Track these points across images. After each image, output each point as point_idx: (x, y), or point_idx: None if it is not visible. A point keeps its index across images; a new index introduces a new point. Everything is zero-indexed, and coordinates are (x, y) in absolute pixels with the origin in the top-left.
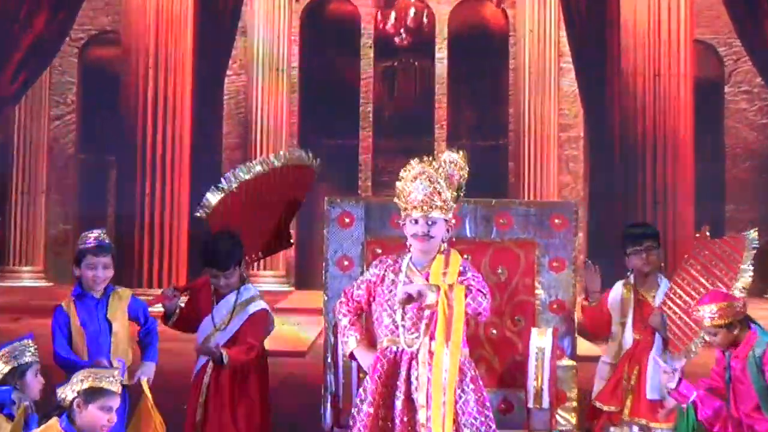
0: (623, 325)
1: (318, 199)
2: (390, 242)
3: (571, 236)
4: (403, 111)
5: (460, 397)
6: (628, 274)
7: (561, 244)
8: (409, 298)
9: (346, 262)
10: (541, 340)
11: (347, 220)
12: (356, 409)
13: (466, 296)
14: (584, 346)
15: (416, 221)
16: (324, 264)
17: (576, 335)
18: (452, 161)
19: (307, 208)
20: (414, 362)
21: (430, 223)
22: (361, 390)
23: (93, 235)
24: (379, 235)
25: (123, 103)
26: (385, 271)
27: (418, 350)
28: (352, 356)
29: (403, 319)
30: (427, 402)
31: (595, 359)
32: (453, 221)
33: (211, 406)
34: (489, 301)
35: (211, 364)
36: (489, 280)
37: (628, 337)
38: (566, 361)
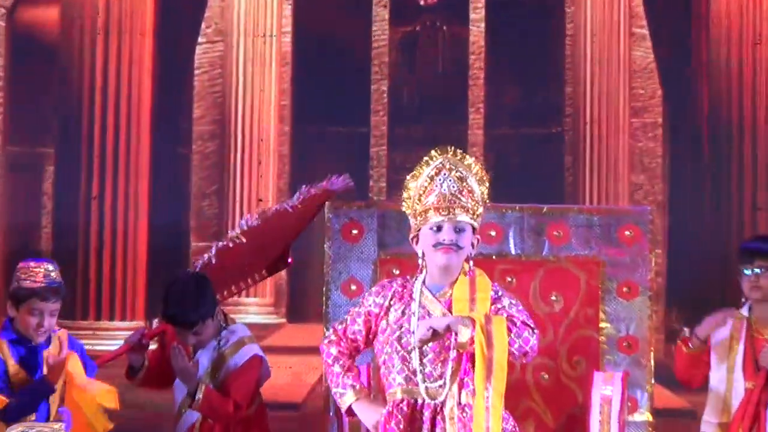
0: (731, 370)
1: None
2: (411, 261)
3: (646, 253)
4: (427, 90)
5: None
6: (743, 301)
7: (633, 263)
8: (434, 336)
9: (353, 287)
10: (606, 388)
11: (355, 232)
12: None
13: (509, 331)
14: (664, 397)
15: (438, 227)
16: (324, 289)
17: (653, 381)
18: (482, 179)
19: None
20: (439, 418)
21: (457, 229)
22: None
23: (40, 271)
24: (396, 251)
25: (63, 80)
26: (392, 299)
27: (443, 403)
28: (350, 412)
29: (421, 362)
30: None
31: (679, 413)
32: (479, 237)
33: None
34: (538, 337)
35: (200, 419)
36: (539, 309)
37: (738, 386)
38: (640, 416)
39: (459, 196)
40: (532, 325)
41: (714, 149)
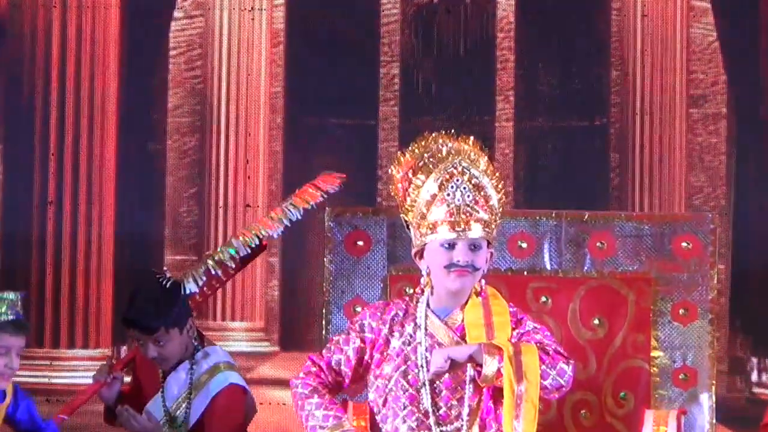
0: None
1: (315, 210)
2: None
3: (707, 268)
4: (446, 75)
5: None
6: None
7: (692, 280)
8: (451, 368)
9: (358, 308)
10: (659, 428)
11: (360, 244)
12: None
13: (541, 362)
14: None
15: (451, 245)
16: (324, 311)
17: (715, 422)
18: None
19: (295, 225)
20: None
21: (473, 246)
22: None
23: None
24: (409, 266)
25: (12, 63)
26: (391, 325)
27: None
28: None
29: (434, 402)
30: None
31: None
32: (493, 252)
33: None
34: (574, 369)
35: None
36: (579, 336)
37: None
38: None
39: (476, 207)
40: (564, 354)
41: None
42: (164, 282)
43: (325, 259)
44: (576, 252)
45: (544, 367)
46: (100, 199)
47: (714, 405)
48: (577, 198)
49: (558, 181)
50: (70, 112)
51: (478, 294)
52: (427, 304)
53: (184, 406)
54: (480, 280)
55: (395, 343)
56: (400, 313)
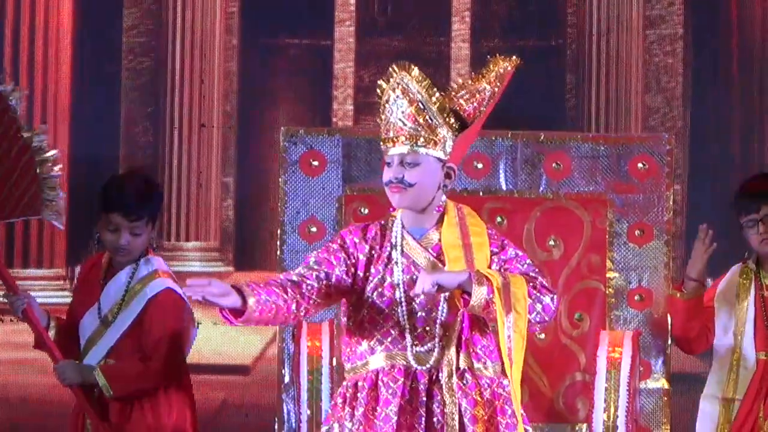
0: (738, 336)
1: (270, 130)
2: (382, 198)
3: (663, 189)
4: None
5: None
6: (746, 256)
7: (647, 201)
8: (438, 293)
9: (313, 229)
10: (614, 349)
11: (315, 164)
12: None
13: (528, 294)
14: (682, 360)
15: (389, 162)
16: (279, 231)
17: (670, 342)
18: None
19: (249, 145)
20: (435, 388)
21: (407, 163)
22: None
23: None
24: (364, 186)
25: None
26: (371, 245)
27: (438, 369)
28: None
29: (409, 322)
30: None
31: (700, 380)
32: (454, 167)
33: None
34: (558, 303)
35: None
36: (535, 256)
37: (749, 354)
38: (654, 383)
39: (406, 122)
40: (549, 287)
41: (745, 67)
42: (149, 177)
43: (279, 179)
44: (532, 172)
45: (530, 300)
46: (54, 120)
47: (669, 326)
48: (534, 118)
49: (514, 102)
50: (24, 33)
51: (443, 212)
52: (403, 225)
53: (117, 309)
54: (442, 198)
55: (373, 264)
56: (378, 234)
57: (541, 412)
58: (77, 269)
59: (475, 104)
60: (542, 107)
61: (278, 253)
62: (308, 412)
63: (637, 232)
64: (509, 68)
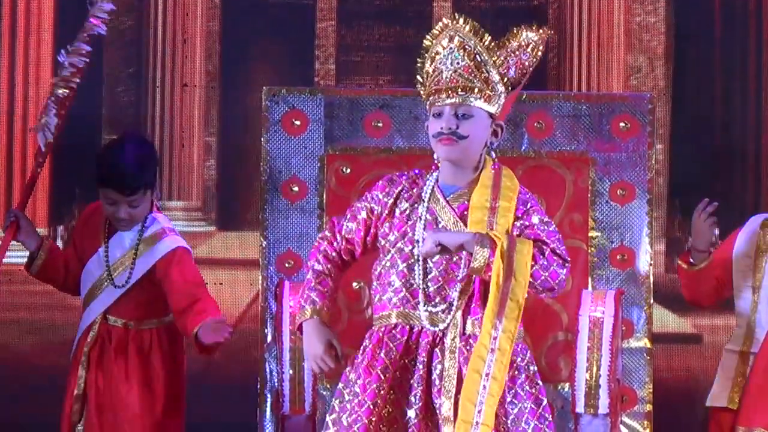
0: (756, 290)
1: (253, 90)
2: (364, 157)
3: (645, 149)
4: None
5: (512, 407)
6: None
7: (630, 160)
8: (441, 253)
9: (295, 188)
10: (596, 308)
11: (297, 123)
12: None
13: (535, 261)
14: (665, 319)
15: (439, 113)
16: (261, 190)
17: (652, 301)
18: (526, 43)
19: (231, 104)
20: (437, 350)
21: (461, 114)
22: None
23: None
24: (346, 145)
25: None
26: (398, 196)
27: (444, 332)
28: (300, 330)
29: (424, 281)
30: (455, 412)
31: (682, 338)
32: (503, 125)
33: (96, 387)
34: (569, 271)
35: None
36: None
37: (765, 310)
38: (636, 342)
39: (463, 73)
40: (563, 255)
41: (727, 25)
42: (144, 142)
43: (262, 138)
44: (514, 132)
45: (537, 267)
46: (37, 79)
47: (651, 285)
48: None
49: None
50: None
51: (490, 170)
52: (437, 181)
53: (128, 263)
54: (490, 156)
55: (398, 216)
56: (408, 186)
57: None
58: (59, 229)
59: (517, 67)
60: None
61: (261, 213)
62: (290, 371)
63: (619, 192)
64: (538, 39)
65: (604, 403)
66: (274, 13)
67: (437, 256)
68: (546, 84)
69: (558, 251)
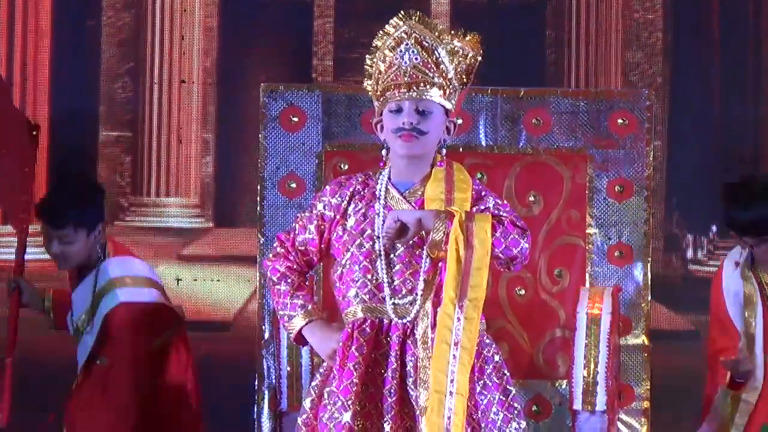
0: (749, 337)
1: (250, 86)
2: (362, 153)
3: (643, 145)
4: None
5: (482, 397)
6: (741, 252)
7: (627, 156)
8: (401, 232)
9: (293, 184)
10: (594, 305)
11: (295, 120)
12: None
13: (494, 230)
14: (662, 316)
15: (399, 109)
16: (259, 187)
17: (650, 298)
18: (454, 51)
19: (229, 101)
20: (409, 342)
21: (421, 110)
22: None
23: None
24: (344, 142)
25: None
26: (350, 199)
27: (413, 323)
28: (300, 340)
29: (388, 274)
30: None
31: (680, 336)
32: (459, 120)
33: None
34: (529, 240)
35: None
36: (515, 212)
37: (759, 359)
38: (634, 339)
39: (423, 69)
40: (522, 226)
41: (726, 22)
42: (86, 181)
43: (259, 135)
44: (511, 128)
45: (497, 234)
46: (34, 76)
47: (649, 282)
48: (513, 74)
49: (494, 58)
50: None
51: (439, 167)
52: (389, 179)
53: (88, 318)
54: (441, 153)
55: (353, 217)
56: (360, 188)
57: (521, 369)
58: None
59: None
60: (522, 63)
61: (258, 209)
62: (288, 368)
63: (617, 188)
64: (472, 58)
65: (601, 400)
66: (272, 9)
67: (400, 248)
68: (544, 80)
69: (517, 223)
